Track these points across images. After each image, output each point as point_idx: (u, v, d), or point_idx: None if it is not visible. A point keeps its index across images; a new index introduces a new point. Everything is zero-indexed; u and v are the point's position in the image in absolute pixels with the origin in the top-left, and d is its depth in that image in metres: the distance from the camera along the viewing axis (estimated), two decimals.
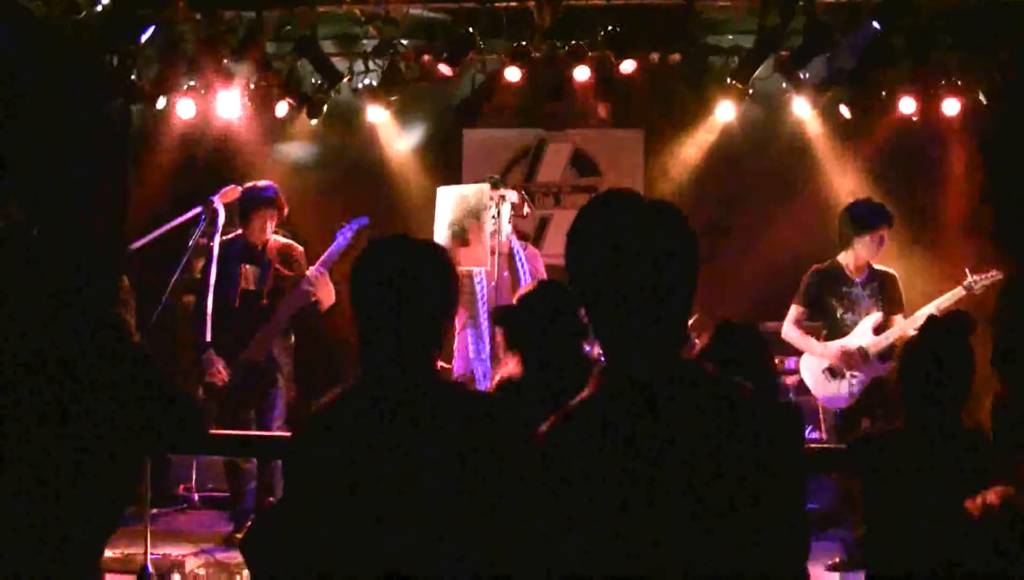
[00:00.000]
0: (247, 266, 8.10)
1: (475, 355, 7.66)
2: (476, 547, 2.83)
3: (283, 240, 8.39)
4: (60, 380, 3.80)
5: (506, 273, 7.80)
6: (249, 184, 8.14)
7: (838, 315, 7.90)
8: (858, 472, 4.42)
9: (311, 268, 8.12)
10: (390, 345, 3.06)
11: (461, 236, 7.44)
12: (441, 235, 7.54)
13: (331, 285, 8.10)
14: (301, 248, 8.44)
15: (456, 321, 7.74)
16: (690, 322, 8.23)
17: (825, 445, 7.92)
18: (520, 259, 7.81)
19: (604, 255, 2.49)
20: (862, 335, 7.80)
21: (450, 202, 7.61)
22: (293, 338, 8.43)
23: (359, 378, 3.09)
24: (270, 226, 8.21)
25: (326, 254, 8.09)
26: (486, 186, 7.62)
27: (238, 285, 8.04)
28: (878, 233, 7.78)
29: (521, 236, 8.36)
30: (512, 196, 7.88)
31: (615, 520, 2.35)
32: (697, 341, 7.84)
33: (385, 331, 3.07)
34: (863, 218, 7.83)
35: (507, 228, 7.82)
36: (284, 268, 8.18)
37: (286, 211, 8.34)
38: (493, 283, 7.64)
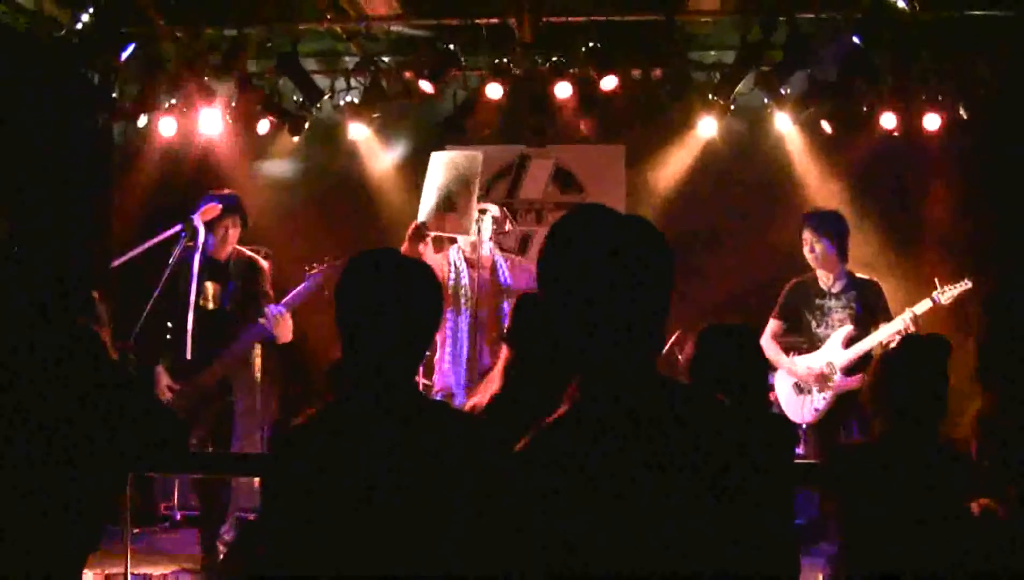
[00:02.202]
0: (208, 283, 7.80)
1: (454, 369, 7.63)
2: (457, 563, 2.81)
3: (248, 253, 8.09)
4: (39, 396, 3.78)
5: (490, 288, 7.78)
6: (209, 194, 7.88)
7: (812, 328, 7.95)
8: (834, 485, 4.42)
9: (272, 306, 7.74)
10: (373, 360, 3.04)
11: (448, 202, 7.35)
12: (429, 200, 7.45)
13: (290, 323, 7.80)
14: (266, 264, 8.12)
15: (437, 335, 7.72)
16: (672, 338, 8.20)
17: (801, 459, 7.92)
18: (503, 272, 7.79)
19: (577, 268, 2.48)
20: (831, 350, 7.82)
21: (441, 167, 7.52)
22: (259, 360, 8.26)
23: (340, 394, 3.07)
24: (233, 237, 7.94)
25: (291, 295, 7.79)
26: (478, 154, 7.56)
27: (198, 303, 7.76)
28: (803, 239, 7.86)
29: (504, 252, 8.33)
30: (494, 210, 7.86)
31: (592, 535, 2.33)
32: (680, 357, 7.88)
33: (368, 346, 3.05)
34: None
35: (488, 243, 7.80)
36: (247, 285, 7.89)
37: (249, 222, 8.08)
38: (478, 298, 7.63)
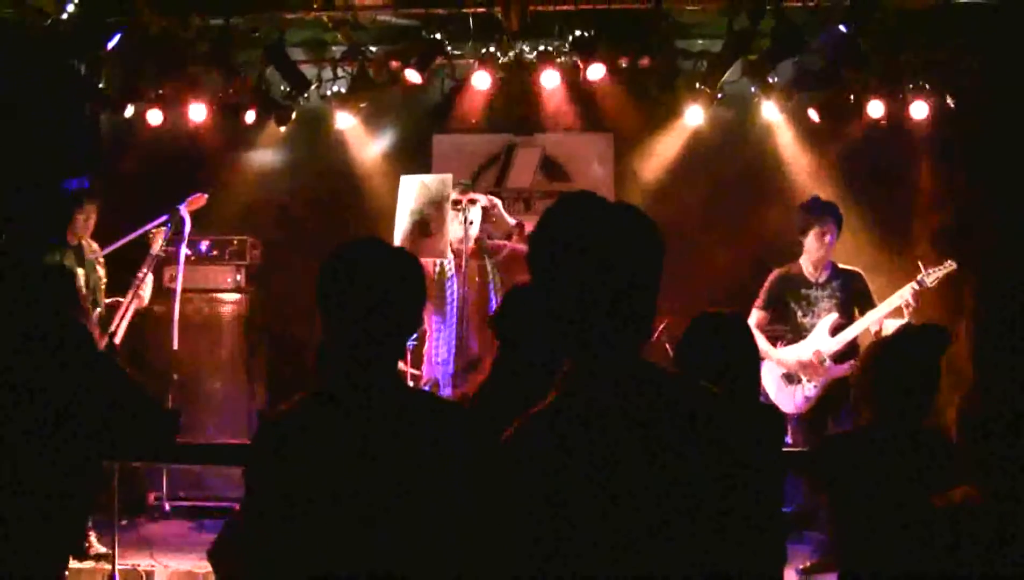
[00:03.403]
0: (79, 269, 7.56)
1: (440, 360, 7.63)
2: (441, 552, 2.81)
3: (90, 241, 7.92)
4: (25, 387, 3.77)
5: (477, 278, 7.78)
6: (66, 179, 7.79)
7: (798, 318, 7.97)
8: (823, 475, 4.42)
9: (140, 271, 7.63)
10: (355, 349, 3.03)
11: (422, 226, 7.37)
12: (402, 224, 7.47)
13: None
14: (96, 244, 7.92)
15: (426, 325, 7.72)
16: (660, 327, 8.17)
17: (791, 448, 7.93)
18: (488, 263, 7.81)
19: (566, 256, 2.47)
20: (818, 338, 7.84)
21: (412, 191, 7.54)
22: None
23: (322, 383, 3.06)
24: (92, 224, 7.79)
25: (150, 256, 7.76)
26: (448, 176, 7.57)
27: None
28: (820, 227, 7.83)
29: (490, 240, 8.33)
30: (483, 200, 7.86)
31: (580, 525, 2.33)
32: (669, 346, 7.88)
33: (351, 334, 3.04)
34: (804, 215, 7.93)
35: (475, 232, 7.80)
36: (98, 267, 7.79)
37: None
38: (464, 289, 7.63)
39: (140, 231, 7.55)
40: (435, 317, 7.69)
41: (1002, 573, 3.51)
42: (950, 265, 7.80)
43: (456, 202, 7.59)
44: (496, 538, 2.43)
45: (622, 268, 2.45)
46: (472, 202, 7.69)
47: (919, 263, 7.84)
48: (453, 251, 7.71)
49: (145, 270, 7.60)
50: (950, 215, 9.74)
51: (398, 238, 7.40)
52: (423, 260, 7.39)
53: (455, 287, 7.65)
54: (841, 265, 8.00)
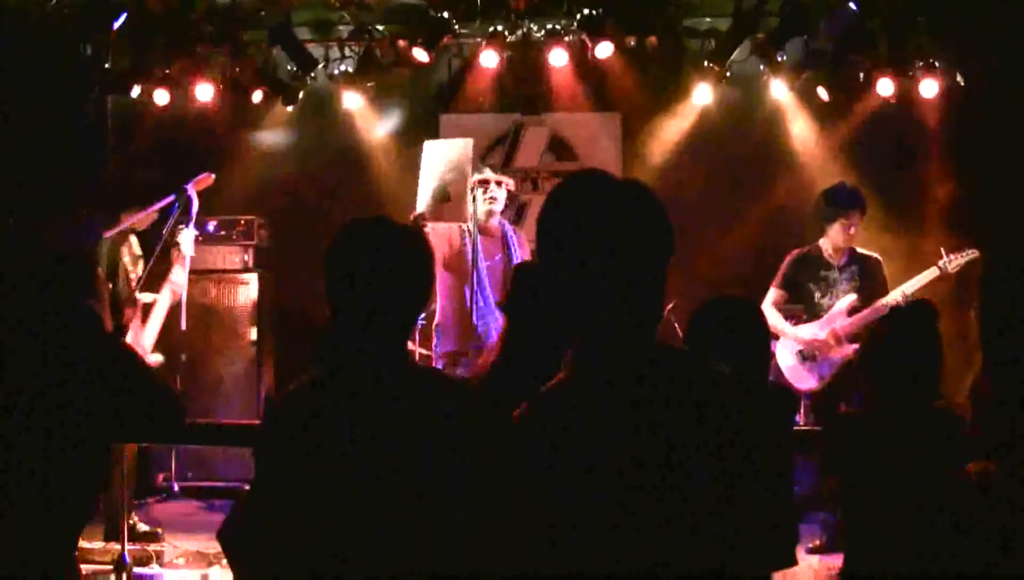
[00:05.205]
0: None
1: (460, 329, 7.64)
2: (451, 531, 2.80)
3: None
4: (33, 370, 3.76)
5: (499, 255, 7.81)
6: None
7: (815, 299, 7.96)
8: (834, 454, 4.42)
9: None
10: (363, 328, 3.01)
11: (444, 192, 7.35)
12: (425, 190, 7.45)
13: None
14: None
15: (444, 292, 7.75)
16: (668, 308, 8.17)
17: (800, 427, 7.92)
18: (512, 242, 7.82)
19: (575, 234, 2.45)
20: (835, 318, 7.84)
21: (435, 158, 7.53)
22: None
23: (330, 362, 3.04)
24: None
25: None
26: (469, 141, 7.54)
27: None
28: (846, 220, 7.81)
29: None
30: (510, 183, 7.92)
31: (591, 504, 2.32)
32: (678, 326, 7.87)
33: (358, 313, 3.02)
34: (830, 205, 7.90)
35: (499, 210, 7.85)
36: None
37: None
38: (487, 262, 7.65)
39: (147, 211, 7.53)
40: (457, 282, 7.70)
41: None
42: (972, 253, 7.77)
43: (485, 182, 7.63)
44: (506, 517, 2.42)
45: (631, 246, 2.43)
46: (499, 184, 7.75)
47: (941, 249, 7.81)
48: (480, 228, 7.68)
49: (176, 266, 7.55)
50: (960, 193, 9.69)
51: (421, 204, 7.39)
52: (445, 226, 7.48)
53: (479, 264, 7.64)
54: (860, 249, 7.98)
